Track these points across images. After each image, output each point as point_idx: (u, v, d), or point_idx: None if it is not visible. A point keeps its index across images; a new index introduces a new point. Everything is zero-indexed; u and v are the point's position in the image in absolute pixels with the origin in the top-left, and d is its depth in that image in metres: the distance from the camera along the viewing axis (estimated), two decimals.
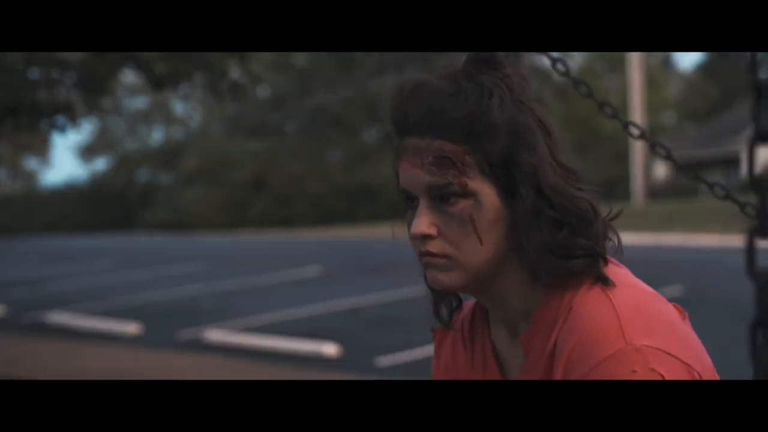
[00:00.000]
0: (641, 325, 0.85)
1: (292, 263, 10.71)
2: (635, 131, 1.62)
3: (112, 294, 8.96)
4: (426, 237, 0.91)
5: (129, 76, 4.38)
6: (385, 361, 5.48)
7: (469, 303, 1.03)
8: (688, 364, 0.85)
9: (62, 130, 5.00)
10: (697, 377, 0.86)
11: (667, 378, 0.84)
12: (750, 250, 1.45)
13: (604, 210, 0.93)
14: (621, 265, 0.95)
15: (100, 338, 6.98)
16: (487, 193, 0.90)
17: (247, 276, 9.58)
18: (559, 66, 1.59)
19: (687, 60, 57.26)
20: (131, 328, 7.16)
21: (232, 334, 6.62)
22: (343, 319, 7.10)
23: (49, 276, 11.15)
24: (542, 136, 0.91)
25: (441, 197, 0.91)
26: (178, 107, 35.80)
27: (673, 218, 15.96)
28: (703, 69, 34.15)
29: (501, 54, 0.97)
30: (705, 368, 0.88)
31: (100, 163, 36.79)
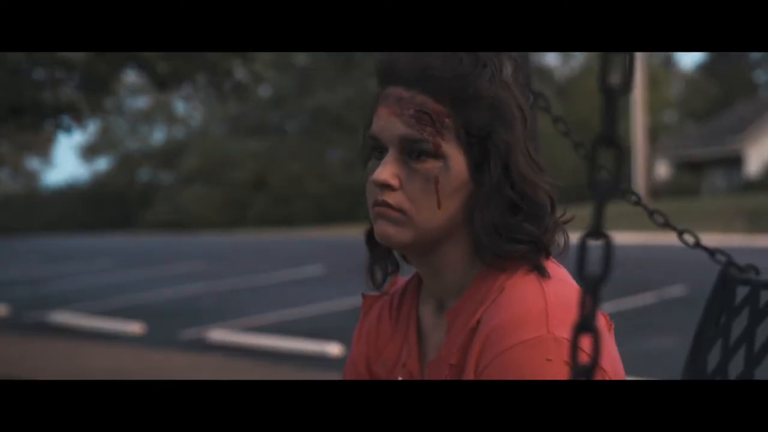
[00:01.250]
0: (566, 318, 0.85)
1: (293, 263, 10.70)
2: (583, 152, 1.56)
3: (113, 293, 8.96)
4: (386, 186, 0.90)
5: (131, 76, 4.38)
6: None
7: (404, 278, 1.03)
8: (602, 367, 0.87)
9: (67, 130, 5.00)
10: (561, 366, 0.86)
11: (554, 362, 0.84)
12: (582, 251, 1.48)
13: (560, 210, 0.94)
14: (561, 265, 0.95)
15: (103, 338, 6.98)
16: (457, 159, 0.90)
17: (248, 275, 9.58)
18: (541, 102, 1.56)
19: (688, 59, 57.23)
20: (134, 327, 7.16)
21: (235, 334, 6.62)
22: (345, 319, 7.10)
23: (50, 276, 11.15)
24: (520, 122, 0.91)
25: (411, 152, 0.90)
26: (180, 107, 35.79)
27: (675, 217, 15.89)
28: (703, 68, 34.16)
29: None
30: (618, 376, 0.90)
31: (102, 163, 36.83)
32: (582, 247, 0.59)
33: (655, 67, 29.23)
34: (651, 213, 1.46)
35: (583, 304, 0.79)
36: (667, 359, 5.36)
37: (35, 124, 4.67)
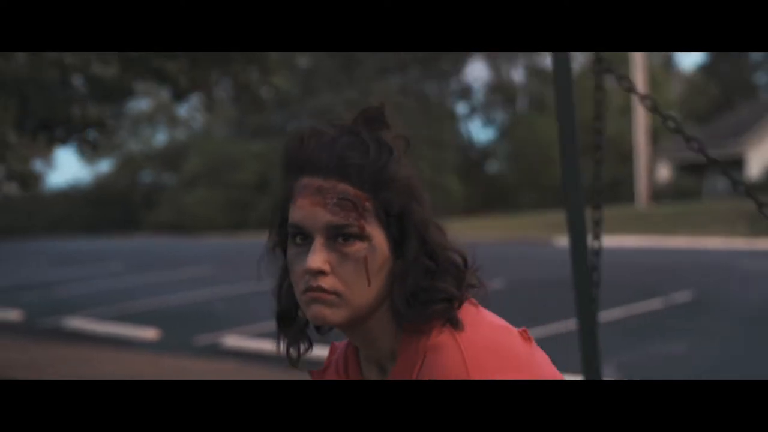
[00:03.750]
0: (484, 362, 0.94)
1: None
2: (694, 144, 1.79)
3: (126, 298, 9.04)
4: (319, 273, 0.95)
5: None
6: None
7: (341, 343, 1.09)
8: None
9: (93, 143, 5.13)
10: None
11: None
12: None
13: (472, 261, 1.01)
14: (478, 305, 1.02)
15: (118, 343, 7.05)
16: (379, 238, 0.97)
17: (257, 279, 9.64)
18: (624, 83, 1.77)
19: (688, 60, 57.20)
20: (149, 333, 7.24)
21: (249, 340, 6.70)
22: None
23: (61, 279, 11.23)
24: (426, 195, 1.00)
25: (336, 236, 0.96)
26: (182, 109, 35.83)
27: (678, 220, 15.99)
28: (704, 69, 34.16)
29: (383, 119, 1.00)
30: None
31: (104, 165, 36.84)
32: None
33: (655, 69, 29.26)
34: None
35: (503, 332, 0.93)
36: (675, 364, 5.45)
37: (65, 138, 4.79)
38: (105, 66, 4.08)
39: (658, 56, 31.07)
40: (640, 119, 21.87)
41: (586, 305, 2.07)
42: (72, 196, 32.58)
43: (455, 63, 31.39)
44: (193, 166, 31.01)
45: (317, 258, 0.95)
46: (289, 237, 0.99)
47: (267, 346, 6.48)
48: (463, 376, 0.94)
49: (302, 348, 1.05)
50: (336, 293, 0.96)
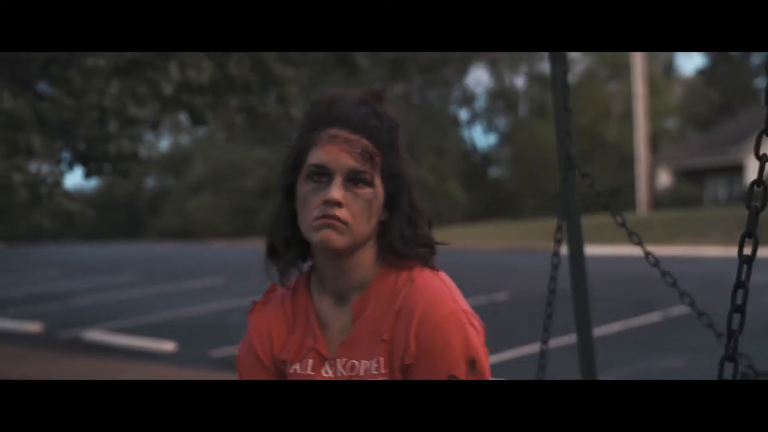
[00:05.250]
0: (459, 297, 1.23)
1: None
2: None
3: (142, 310, 9.23)
4: (336, 204, 1.19)
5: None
6: None
7: (288, 284, 1.30)
8: (482, 326, 1.24)
9: (125, 174, 5.43)
10: (482, 332, 1.23)
11: (478, 328, 1.21)
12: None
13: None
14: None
15: (137, 355, 7.24)
16: (380, 189, 1.22)
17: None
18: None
19: (688, 65, 57.30)
20: (168, 345, 7.43)
21: None
22: None
23: (76, 290, 11.46)
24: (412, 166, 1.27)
25: (352, 180, 1.20)
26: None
27: (677, 228, 16.07)
28: (703, 73, 34.25)
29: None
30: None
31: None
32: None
33: (655, 74, 29.41)
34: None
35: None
36: (673, 376, 5.65)
37: (98, 170, 5.09)
38: (139, 108, 4.38)
39: (658, 61, 31.23)
40: (641, 126, 22.05)
41: (583, 312, 2.26)
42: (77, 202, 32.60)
43: (458, 70, 31.52)
44: (197, 172, 31.19)
45: (338, 191, 1.18)
46: (306, 176, 1.21)
47: None
48: (447, 296, 1.20)
49: (289, 272, 1.27)
50: (345, 222, 1.19)
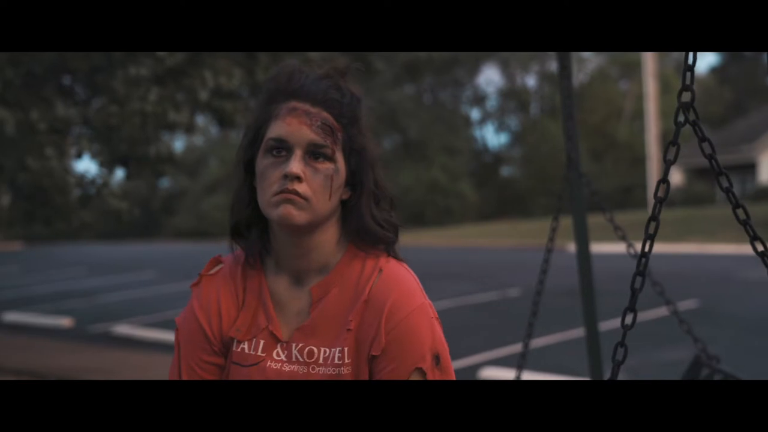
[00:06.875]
0: (423, 290, 1.20)
1: None
2: None
3: (166, 306, 9.50)
4: (296, 178, 1.12)
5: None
6: None
7: (228, 257, 1.25)
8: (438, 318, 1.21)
9: (161, 175, 5.74)
10: (437, 323, 1.19)
11: (435, 319, 1.17)
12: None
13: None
14: None
15: (164, 348, 7.48)
16: (342, 165, 1.17)
17: None
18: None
19: (701, 63, 57.08)
20: None
21: None
22: None
23: (102, 287, 11.77)
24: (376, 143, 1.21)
25: (312, 154, 1.14)
26: (199, 117, 36.24)
27: (688, 226, 16.14)
28: (716, 72, 34.23)
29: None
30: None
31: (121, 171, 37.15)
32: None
33: (668, 72, 29.43)
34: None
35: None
36: (681, 367, 5.82)
37: (137, 172, 5.39)
38: (177, 113, 4.66)
39: (670, 60, 31.25)
40: (652, 124, 22.14)
41: (590, 307, 2.36)
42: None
43: (469, 71, 31.66)
44: (212, 172, 31.48)
45: (297, 165, 1.12)
46: (265, 151, 1.15)
47: None
48: (416, 289, 1.16)
49: (252, 249, 1.20)
50: (305, 198, 1.13)
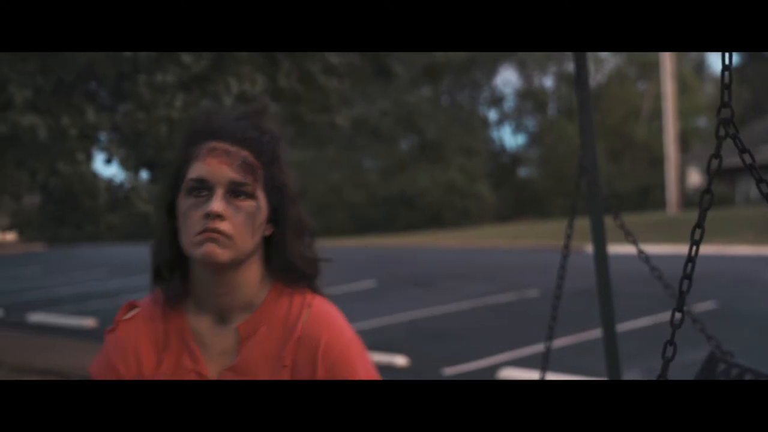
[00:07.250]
0: (348, 322, 1.24)
1: (346, 277, 11.36)
2: None
3: None
4: (218, 217, 1.14)
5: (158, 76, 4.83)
6: (450, 371, 5.98)
7: (144, 300, 1.26)
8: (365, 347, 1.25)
9: None
10: (366, 353, 1.24)
11: (364, 350, 1.21)
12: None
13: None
14: None
15: None
16: (263, 202, 1.19)
17: None
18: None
19: (719, 63, 56.35)
20: None
21: None
22: (403, 331, 7.73)
23: (124, 289, 11.92)
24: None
25: (233, 192, 1.16)
26: None
27: (708, 227, 15.98)
28: (734, 72, 33.84)
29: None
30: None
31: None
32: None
33: (686, 72, 29.25)
34: None
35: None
36: (698, 366, 5.84)
37: (163, 177, 5.49)
38: None
39: (689, 60, 31.09)
40: (670, 125, 22.06)
41: (607, 308, 2.37)
42: None
43: (486, 72, 31.67)
44: None
45: (219, 204, 1.14)
46: (186, 192, 1.17)
47: None
48: (344, 324, 1.21)
49: (173, 289, 1.21)
50: (228, 236, 1.14)
